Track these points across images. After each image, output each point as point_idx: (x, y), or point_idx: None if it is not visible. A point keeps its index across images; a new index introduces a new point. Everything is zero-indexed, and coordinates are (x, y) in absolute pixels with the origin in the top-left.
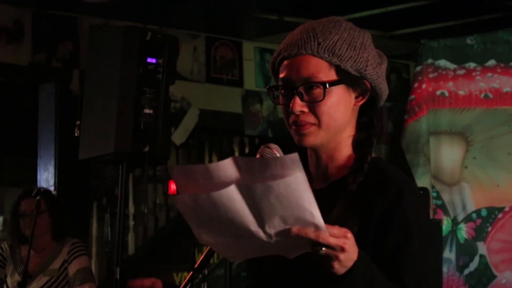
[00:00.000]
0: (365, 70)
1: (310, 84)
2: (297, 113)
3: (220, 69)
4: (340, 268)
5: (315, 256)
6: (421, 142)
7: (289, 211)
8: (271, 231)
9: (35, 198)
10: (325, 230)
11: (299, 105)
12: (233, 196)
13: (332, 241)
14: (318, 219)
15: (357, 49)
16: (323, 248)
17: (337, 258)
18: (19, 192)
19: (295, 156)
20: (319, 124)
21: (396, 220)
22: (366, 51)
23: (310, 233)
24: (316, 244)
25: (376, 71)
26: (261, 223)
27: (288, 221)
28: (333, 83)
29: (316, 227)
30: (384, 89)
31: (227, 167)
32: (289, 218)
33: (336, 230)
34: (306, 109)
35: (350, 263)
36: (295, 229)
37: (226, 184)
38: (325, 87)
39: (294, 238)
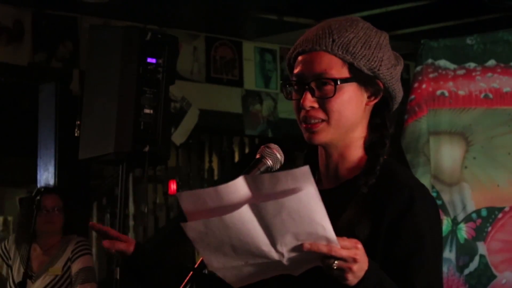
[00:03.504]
0: (378, 70)
1: (321, 80)
2: (307, 108)
3: (220, 69)
4: (353, 279)
5: (328, 269)
6: (421, 142)
7: (301, 227)
8: (283, 249)
9: (57, 194)
10: (336, 243)
11: (309, 100)
12: (245, 217)
13: (345, 253)
14: (330, 232)
15: (372, 48)
16: (336, 262)
17: (350, 269)
18: (19, 192)
19: (305, 168)
20: (328, 121)
21: (408, 225)
22: (381, 51)
23: (322, 247)
24: (329, 258)
25: (390, 71)
26: (273, 242)
27: (300, 237)
28: (344, 80)
29: (328, 241)
30: (398, 91)
31: (238, 187)
32: (301, 234)
33: (347, 242)
34: (316, 105)
35: (362, 273)
36: (307, 245)
37: (237, 205)
38: (336, 84)
39: (305, 254)
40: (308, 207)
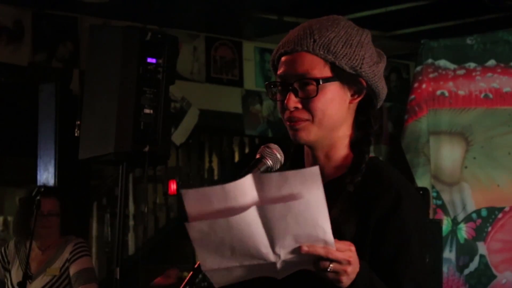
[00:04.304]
0: (360, 68)
1: (304, 80)
2: (291, 109)
3: (220, 69)
4: (347, 281)
5: (322, 272)
6: (421, 142)
7: (303, 229)
8: (281, 251)
9: (54, 197)
10: (333, 246)
11: (293, 101)
12: (251, 219)
13: (340, 256)
14: (329, 235)
15: (353, 46)
16: (331, 265)
17: (345, 272)
18: (19, 192)
19: (315, 169)
20: (312, 120)
21: (394, 224)
22: (362, 49)
23: (320, 250)
24: (324, 260)
25: (372, 69)
26: (272, 244)
27: (299, 239)
28: (327, 80)
29: (325, 243)
30: (381, 88)
31: (246, 185)
32: (301, 236)
33: (342, 244)
34: (299, 105)
35: (354, 275)
36: (305, 247)
37: (243, 205)
38: (318, 83)
39: (301, 257)
40: (314, 211)
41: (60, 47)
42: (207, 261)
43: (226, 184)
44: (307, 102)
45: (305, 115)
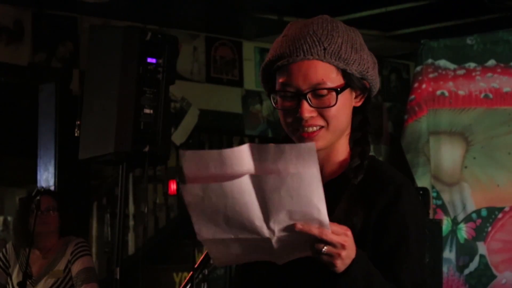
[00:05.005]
0: (367, 72)
1: (321, 90)
2: (306, 118)
3: (220, 69)
4: (341, 265)
5: (316, 254)
6: (421, 142)
7: (297, 206)
8: (275, 226)
9: (50, 196)
10: (328, 228)
11: (308, 110)
12: (244, 187)
13: (334, 238)
14: (324, 216)
15: (359, 51)
16: (326, 247)
17: (339, 256)
18: (19, 192)
19: (311, 145)
20: (327, 127)
21: (394, 218)
22: (364, 52)
23: (314, 229)
24: (319, 241)
25: (375, 71)
26: (266, 218)
27: (294, 216)
28: (343, 89)
29: (320, 224)
30: (377, 88)
31: (242, 154)
32: (296, 213)
33: (337, 227)
34: (315, 114)
35: (349, 261)
36: (299, 225)
37: (238, 173)
38: (337, 93)
39: (296, 236)
40: (308, 188)
41: (60, 47)
42: (202, 229)
43: (223, 150)
44: (322, 111)
45: (320, 122)
